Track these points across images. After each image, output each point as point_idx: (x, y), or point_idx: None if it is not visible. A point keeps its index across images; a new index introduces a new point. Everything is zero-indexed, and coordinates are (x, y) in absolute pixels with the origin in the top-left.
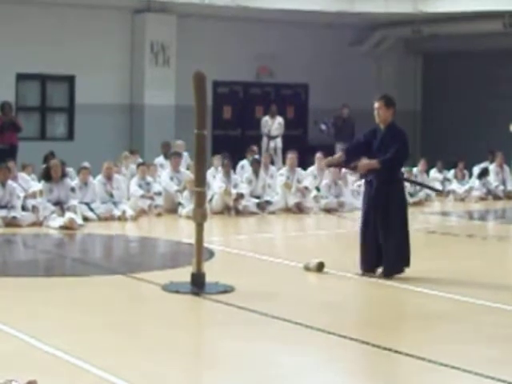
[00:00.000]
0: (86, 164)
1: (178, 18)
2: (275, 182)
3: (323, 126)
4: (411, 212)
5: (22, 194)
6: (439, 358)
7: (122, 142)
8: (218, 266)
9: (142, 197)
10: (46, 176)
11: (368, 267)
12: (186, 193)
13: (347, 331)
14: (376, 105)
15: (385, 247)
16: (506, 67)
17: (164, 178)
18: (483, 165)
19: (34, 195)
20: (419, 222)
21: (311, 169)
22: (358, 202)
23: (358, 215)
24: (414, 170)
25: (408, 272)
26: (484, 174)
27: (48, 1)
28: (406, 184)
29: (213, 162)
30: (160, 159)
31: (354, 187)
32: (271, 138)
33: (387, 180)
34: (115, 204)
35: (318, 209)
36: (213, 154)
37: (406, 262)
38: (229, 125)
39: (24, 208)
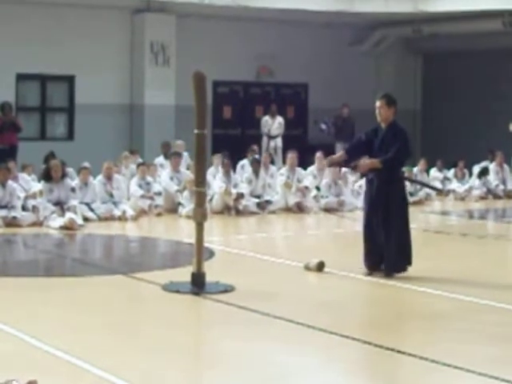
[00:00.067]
0: (86, 164)
1: (178, 18)
2: (275, 182)
3: (323, 126)
4: (411, 211)
5: (22, 195)
6: (442, 358)
7: (122, 142)
8: (218, 265)
9: (142, 197)
10: (46, 176)
11: (372, 266)
12: (186, 193)
13: (349, 331)
14: (377, 104)
15: (386, 246)
16: (505, 66)
17: (164, 177)
18: (483, 164)
19: (34, 195)
20: (419, 221)
21: (311, 168)
22: (358, 202)
23: (359, 215)
24: (414, 169)
25: (409, 271)
26: (484, 173)
27: (48, 1)
28: (406, 183)
29: (213, 160)
30: (160, 159)
31: (354, 188)
32: (271, 137)
33: (388, 179)
34: (115, 204)
35: (318, 208)
36: (213, 154)
37: (408, 261)
38: (229, 124)
39: (24, 208)
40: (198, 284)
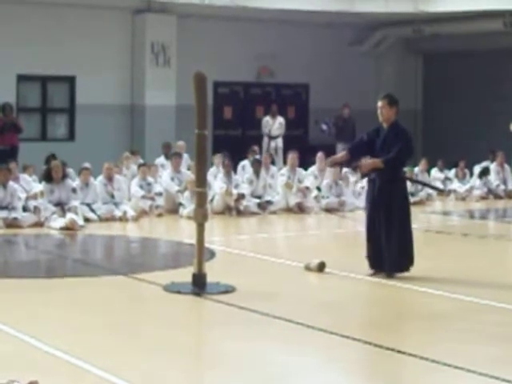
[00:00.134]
0: (87, 165)
1: (179, 19)
2: (276, 182)
3: (324, 126)
4: (412, 211)
5: (23, 195)
6: (443, 358)
7: (123, 142)
8: (219, 266)
9: (143, 197)
10: (47, 177)
11: (376, 266)
12: (186, 193)
13: (349, 331)
14: (379, 104)
15: (387, 246)
16: (506, 67)
17: (165, 178)
18: (484, 164)
19: (35, 196)
20: (420, 221)
21: (312, 169)
22: (359, 202)
23: (359, 215)
24: (415, 169)
25: (411, 271)
26: (485, 173)
27: (48, 1)
28: (408, 183)
29: (214, 160)
30: (161, 160)
31: (357, 189)
32: (272, 138)
33: (390, 179)
34: (116, 205)
35: (319, 209)
36: (213, 154)
37: (410, 261)
38: (229, 125)
39: (25, 209)
40: (199, 284)
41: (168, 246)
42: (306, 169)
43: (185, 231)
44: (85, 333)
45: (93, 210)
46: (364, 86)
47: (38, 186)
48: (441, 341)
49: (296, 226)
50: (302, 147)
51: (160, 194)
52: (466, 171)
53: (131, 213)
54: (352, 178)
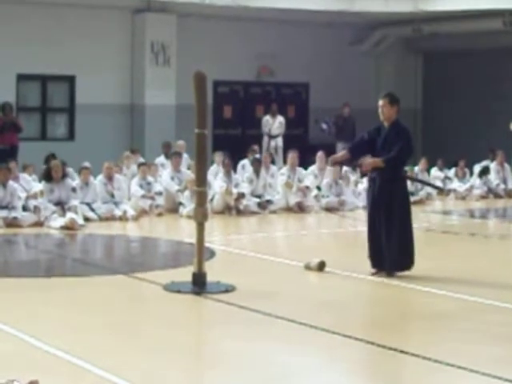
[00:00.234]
0: (87, 164)
1: (179, 18)
2: (276, 182)
3: (324, 125)
4: (412, 211)
5: (23, 195)
6: (446, 358)
7: (123, 142)
8: (219, 265)
9: (143, 197)
10: (47, 176)
11: (378, 266)
12: (186, 192)
13: (351, 331)
14: (380, 102)
15: (388, 245)
16: (506, 66)
17: (165, 177)
18: (484, 163)
19: (35, 196)
20: (420, 220)
21: (312, 168)
22: (359, 201)
23: (359, 214)
24: (415, 168)
25: (412, 271)
26: (485, 172)
27: (48, 1)
28: (408, 182)
29: (214, 158)
30: (161, 159)
31: (357, 188)
32: (272, 137)
33: (391, 178)
34: (116, 204)
35: (319, 208)
36: (213, 152)
37: (410, 260)
38: (229, 124)
39: (25, 208)
40: (199, 284)
41: (168, 246)
42: (305, 168)
43: (185, 230)
44: (85, 332)
45: (93, 210)
46: (364, 85)
47: (38, 186)
48: (444, 341)
49: (296, 226)
50: (302, 146)
51: (160, 194)
52: (466, 170)
53: (131, 212)
54: (352, 177)
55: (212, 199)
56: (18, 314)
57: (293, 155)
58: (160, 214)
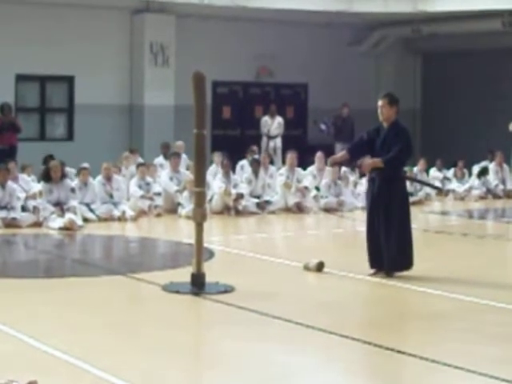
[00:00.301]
0: (86, 165)
1: (177, 19)
2: (275, 182)
3: (323, 126)
4: (411, 211)
5: (22, 195)
6: (443, 358)
7: (122, 142)
8: (217, 266)
9: (142, 197)
10: (46, 177)
11: (377, 266)
12: (185, 193)
13: (349, 331)
14: (379, 103)
15: (387, 245)
16: (505, 66)
17: (164, 178)
18: (483, 164)
19: (33, 196)
20: (419, 221)
21: (311, 168)
22: (358, 202)
23: (358, 214)
24: (414, 169)
25: (410, 271)
26: (484, 173)
27: (48, 1)
28: (407, 183)
29: (213, 158)
30: (160, 159)
31: (356, 189)
32: (271, 137)
33: (390, 178)
34: (115, 204)
35: (318, 208)
36: (212, 152)
37: (409, 260)
38: (228, 125)
39: (24, 209)
40: (198, 284)
41: (167, 246)
42: (304, 168)
43: (184, 231)
44: (84, 332)
45: (92, 210)
46: (363, 85)
47: (37, 186)
48: (441, 341)
49: (295, 226)
50: (301, 147)
51: (159, 194)
52: (465, 171)
53: (130, 213)
54: (351, 178)
55: (211, 200)
56: (17, 315)
57: (292, 156)
58: (159, 215)
